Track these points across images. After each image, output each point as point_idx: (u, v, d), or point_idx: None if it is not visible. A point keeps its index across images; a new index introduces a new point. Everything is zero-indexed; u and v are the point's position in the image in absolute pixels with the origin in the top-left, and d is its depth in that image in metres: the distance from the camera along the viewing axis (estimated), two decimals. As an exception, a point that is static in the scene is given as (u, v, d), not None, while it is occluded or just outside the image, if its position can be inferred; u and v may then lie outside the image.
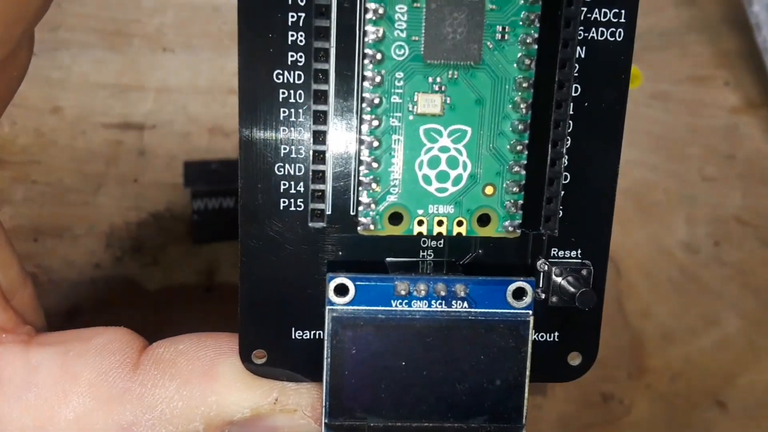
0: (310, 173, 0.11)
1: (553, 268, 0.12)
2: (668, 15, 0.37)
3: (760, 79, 0.35)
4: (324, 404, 0.11)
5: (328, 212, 0.11)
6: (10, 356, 0.12)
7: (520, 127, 0.11)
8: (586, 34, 0.12)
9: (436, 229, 0.11)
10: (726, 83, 0.36)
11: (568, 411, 0.31)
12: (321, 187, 0.11)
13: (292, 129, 0.11)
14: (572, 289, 0.11)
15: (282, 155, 0.11)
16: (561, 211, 0.12)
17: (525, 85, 0.11)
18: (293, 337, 0.12)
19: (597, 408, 0.31)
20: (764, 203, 0.34)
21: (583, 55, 0.12)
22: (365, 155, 0.11)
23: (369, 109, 0.10)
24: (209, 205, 0.32)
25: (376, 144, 0.11)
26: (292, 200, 0.12)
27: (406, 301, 0.11)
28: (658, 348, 0.32)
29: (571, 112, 0.12)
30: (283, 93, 0.11)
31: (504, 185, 0.11)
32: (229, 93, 0.33)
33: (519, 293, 0.11)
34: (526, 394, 0.11)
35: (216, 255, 0.32)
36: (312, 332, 0.12)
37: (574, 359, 0.13)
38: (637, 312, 0.33)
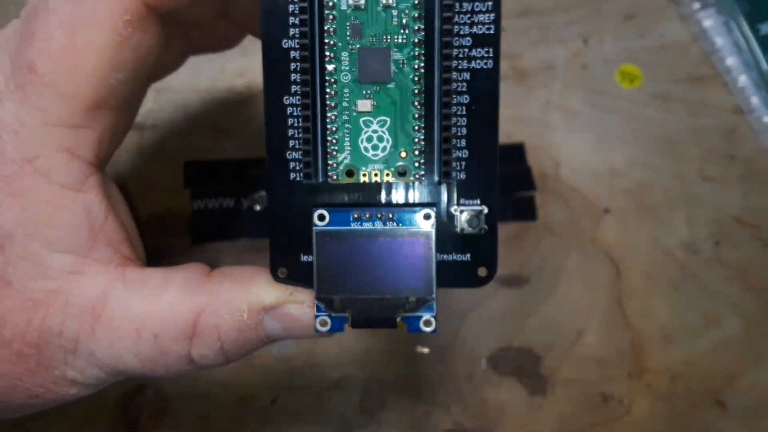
0: (304, 154, 0.19)
1: (462, 210, 0.19)
2: (668, 14, 0.37)
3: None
4: (314, 286, 0.18)
5: (318, 177, 0.19)
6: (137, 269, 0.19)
7: (417, 116, 0.18)
8: (458, 63, 0.18)
9: (374, 179, 0.19)
10: (726, 83, 0.36)
11: (568, 411, 0.31)
12: (308, 159, 0.18)
13: (295, 130, 0.18)
14: (470, 222, 0.18)
15: (289, 145, 0.18)
16: (464, 174, 0.18)
17: (417, 91, 0.18)
18: (302, 260, 0.19)
19: (597, 408, 0.31)
20: (764, 203, 0.34)
21: (466, 75, 0.18)
22: (331, 137, 0.18)
23: (330, 110, 0.18)
24: (209, 205, 0.32)
25: (335, 129, 0.18)
26: (296, 173, 0.19)
27: (358, 222, 0.18)
28: (658, 348, 0.32)
29: (455, 107, 0.18)
30: (290, 110, 0.18)
31: (413, 151, 0.19)
32: (229, 93, 0.33)
33: (426, 216, 0.18)
34: (434, 277, 0.18)
35: (216, 255, 0.32)
36: (311, 256, 0.19)
37: (482, 271, 0.19)
38: (637, 312, 0.33)
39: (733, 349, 0.32)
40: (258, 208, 0.32)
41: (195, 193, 0.32)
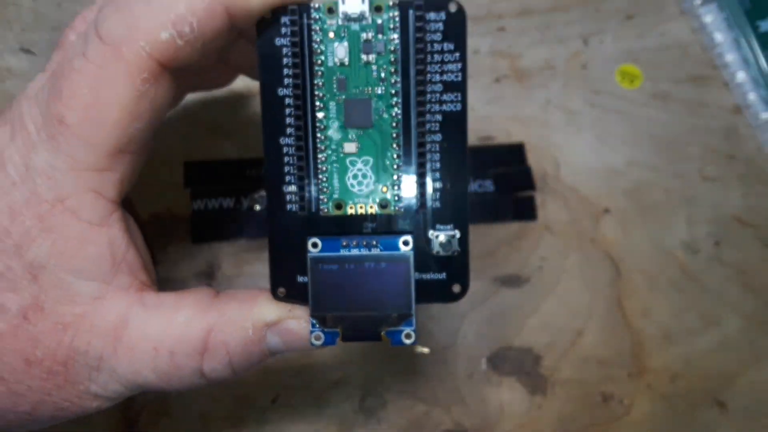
0: (299, 189, 0.21)
1: (438, 234, 0.21)
2: (668, 14, 0.37)
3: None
4: (309, 305, 0.20)
5: (312, 209, 0.21)
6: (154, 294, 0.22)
7: (396, 156, 0.21)
8: (431, 106, 0.21)
9: (359, 211, 0.21)
10: (726, 83, 0.36)
11: (568, 411, 0.31)
12: (304, 194, 0.21)
13: (290, 167, 0.21)
14: (444, 244, 0.21)
15: (285, 179, 0.21)
16: (438, 203, 0.21)
17: (395, 135, 0.21)
18: (298, 280, 0.21)
19: (597, 408, 0.31)
20: (764, 203, 0.34)
21: (439, 117, 0.21)
22: (321, 175, 0.21)
23: (320, 152, 0.21)
24: (209, 205, 0.32)
25: (325, 169, 0.21)
26: (292, 204, 0.21)
27: (347, 249, 0.21)
28: (658, 348, 0.32)
29: (429, 144, 0.21)
30: (285, 149, 0.21)
31: (392, 187, 0.21)
32: (229, 93, 0.33)
33: (405, 242, 0.21)
34: (413, 296, 0.20)
35: (216, 255, 0.32)
36: (306, 277, 0.21)
37: (456, 288, 0.21)
38: (637, 312, 0.33)
39: (732, 349, 0.32)
40: (258, 208, 0.32)
41: (195, 193, 0.32)
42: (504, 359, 0.31)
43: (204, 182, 0.32)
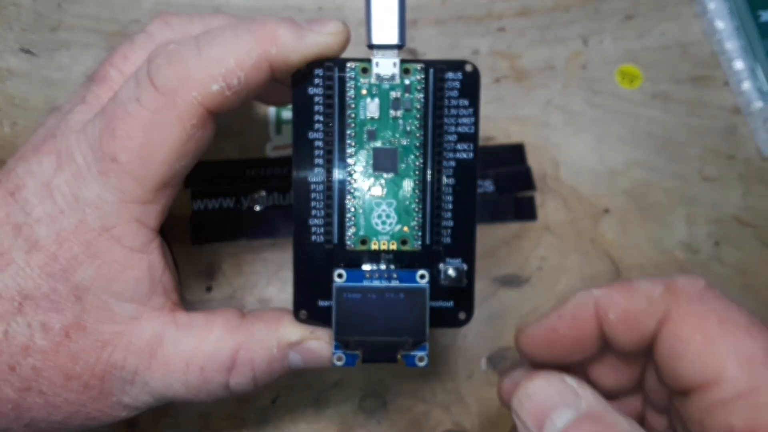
0: (325, 223, 0.23)
1: (447, 267, 0.23)
2: (668, 14, 0.37)
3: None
4: (333, 329, 0.22)
5: (335, 241, 0.23)
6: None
7: (417, 200, 0.23)
8: (447, 154, 0.23)
9: (382, 247, 0.23)
10: (726, 83, 0.36)
11: (568, 411, 0.31)
12: (330, 228, 0.23)
13: (316, 202, 0.23)
14: (453, 277, 0.23)
15: (313, 215, 0.23)
16: (450, 239, 0.23)
17: (417, 182, 0.23)
18: (319, 304, 0.23)
19: (597, 408, 0.31)
20: (764, 203, 0.34)
21: (453, 163, 0.23)
22: (350, 214, 0.23)
23: (351, 195, 0.23)
24: (209, 205, 0.32)
25: (353, 210, 0.23)
26: (317, 236, 0.23)
27: (369, 280, 0.23)
28: (658, 348, 0.32)
29: (444, 187, 0.23)
30: (313, 194, 0.23)
31: (413, 227, 0.23)
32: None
33: (422, 276, 0.23)
34: (427, 325, 0.22)
35: (216, 255, 0.32)
36: (327, 302, 0.23)
37: (462, 315, 0.24)
38: (637, 312, 0.33)
39: (733, 349, 0.32)
40: (258, 208, 0.32)
41: (195, 193, 0.32)
42: (504, 359, 0.31)
43: (204, 182, 0.32)
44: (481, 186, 0.33)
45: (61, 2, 0.34)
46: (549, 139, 0.34)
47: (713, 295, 0.21)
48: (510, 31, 0.36)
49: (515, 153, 0.34)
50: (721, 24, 0.36)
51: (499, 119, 0.35)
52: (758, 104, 0.35)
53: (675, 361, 0.20)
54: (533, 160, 0.34)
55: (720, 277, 0.33)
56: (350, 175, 0.23)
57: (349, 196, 0.23)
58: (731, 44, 0.36)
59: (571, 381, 0.20)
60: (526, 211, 0.33)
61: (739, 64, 0.35)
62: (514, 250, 0.33)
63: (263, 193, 0.32)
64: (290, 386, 0.31)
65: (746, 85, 0.35)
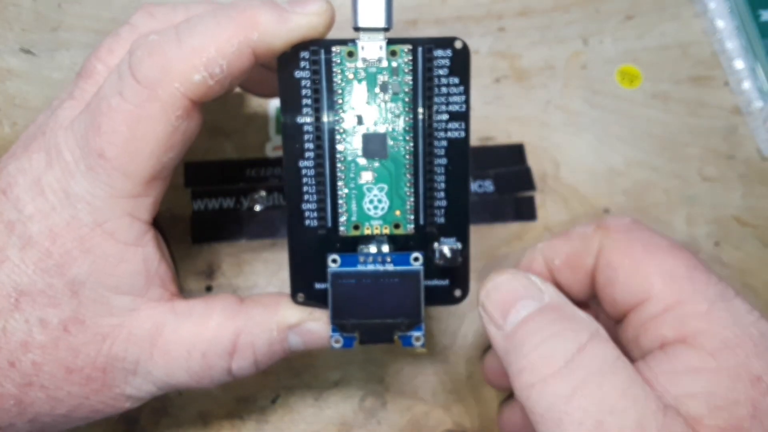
0: (318, 209, 0.23)
1: (442, 247, 0.23)
2: (668, 14, 0.37)
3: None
4: (330, 313, 0.22)
5: (328, 226, 0.23)
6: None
7: (409, 185, 0.23)
8: (438, 134, 0.23)
9: (375, 231, 0.23)
10: (726, 83, 0.36)
11: (568, 411, 0.31)
12: (323, 214, 0.23)
13: (309, 187, 0.23)
14: (449, 256, 0.23)
15: (305, 200, 0.23)
16: (443, 219, 0.23)
17: (407, 165, 0.23)
18: (316, 287, 0.23)
19: (597, 408, 0.31)
20: (764, 203, 0.34)
21: (444, 143, 0.23)
22: (341, 200, 0.23)
23: (342, 180, 0.23)
24: (209, 205, 0.32)
25: (344, 195, 0.23)
26: (311, 220, 0.23)
27: (364, 264, 0.23)
28: (658, 348, 0.32)
29: (436, 167, 0.23)
30: (305, 179, 0.23)
31: (405, 210, 0.23)
32: (229, 93, 0.33)
33: (416, 258, 0.23)
34: (422, 306, 0.22)
35: (216, 255, 0.32)
36: (324, 284, 0.23)
37: (458, 292, 0.24)
38: (637, 312, 0.33)
39: (733, 349, 0.32)
40: (258, 208, 0.32)
41: (195, 193, 0.32)
42: (504, 359, 0.31)
43: (204, 182, 0.32)
44: (481, 186, 0.33)
45: (61, 2, 0.34)
46: (549, 139, 0.34)
47: (638, 226, 0.24)
48: (510, 31, 0.36)
49: (515, 153, 0.34)
50: (721, 23, 0.36)
51: (498, 119, 0.35)
52: (758, 104, 0.35)
53: (610, 288, 0.23)
54: (533, 160, 0.34)
55: (720, 277, 0.33)
56: (341, 161, 0.23)
57: (340, 182, 0.23)
58: (731, 44, 0.36)
59: (535, 278, 0.22)
60: (526, 211, 0.33)
61: (739, 64, 0.35)
62: (514, 250, 0.33)
63: (263, 193, 0.32)
64: (290, 386, 0.31)
65: (746, 85, 0.35)
